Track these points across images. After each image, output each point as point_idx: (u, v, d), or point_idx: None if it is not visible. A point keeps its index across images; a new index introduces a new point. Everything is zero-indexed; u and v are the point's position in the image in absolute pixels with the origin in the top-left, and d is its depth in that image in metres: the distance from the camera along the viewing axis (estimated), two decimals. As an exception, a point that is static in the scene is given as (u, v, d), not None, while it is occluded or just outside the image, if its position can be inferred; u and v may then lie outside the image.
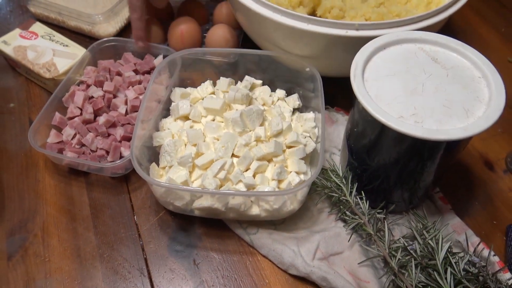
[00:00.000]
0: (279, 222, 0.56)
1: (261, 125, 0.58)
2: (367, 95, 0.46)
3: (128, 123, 0.63)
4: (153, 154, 0.59)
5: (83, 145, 0.62)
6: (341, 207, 0.54)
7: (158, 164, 0.58)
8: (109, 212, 0.59)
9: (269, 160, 0.56)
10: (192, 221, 0.58)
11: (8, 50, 0.70)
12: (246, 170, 0.54)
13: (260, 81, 0.64)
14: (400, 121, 0.43)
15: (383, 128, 0.44)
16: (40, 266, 0.54)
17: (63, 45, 0.71)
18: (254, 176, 0.54)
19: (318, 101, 0.58)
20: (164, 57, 0.69)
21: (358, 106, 0.48)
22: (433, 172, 0.49)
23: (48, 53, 0.69)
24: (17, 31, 0.73)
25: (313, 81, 0.60)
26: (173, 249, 0.56)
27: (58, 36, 0.72)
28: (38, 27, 0.73)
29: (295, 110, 0.64)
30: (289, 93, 0.65)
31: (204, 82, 0.65)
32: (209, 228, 0.57)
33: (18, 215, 0.59)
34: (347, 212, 0.53)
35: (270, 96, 0.63)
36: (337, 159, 0.62)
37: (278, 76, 0.66)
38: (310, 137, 0.58)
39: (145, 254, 0.55)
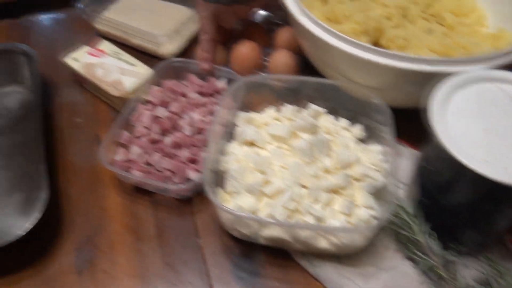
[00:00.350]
0: (343, 256, 0.56)
1: (328, 155, 0.58)
2: (447, 135, 0.45)
3: (193, 145, 0.64)
4: (217, 178, 0.60)
5: (149, 164, 0.64)
6: (410, 245, 0.54)
7: (221, 188, 0.59)
8: (174, 234, 0.60)
9: (336, 192, 0.56)
10: (256, 247, 0.58)
11: (77, 67, 0.72)
12: (315, 202, 0.54)
13: (324, 110, 0.65)
14: (484, 165, 0.43)
15: (464, 170, 0.44)
16: (108, 283, 0.56)
17: (130, 64, 0.73)
18: (322, 208, 0.54)
19: (386, 133, 0.57)
20: (227, 79, 0.70)
21: (435, 144, 0.47)
22: (511, 217, 0.48)
23: (116, 71, 0.71)
24: (85, 48, 0.75)
25: (380, 113, 0.60)
26: (237, 275, 0.56)
27: (125, 55, 0.74)
28: (105, 45, 0.76)
29: (358, 141, 0.64)
30: (352, 122, 0.65)
31: (267, 108, 0.66)
32: (273, 256, 0.57)
33: (86, 231, 0.60)
34: (417, 252, 0.53)
35: (334, 125, 0.63)
36: (401, 193, 0.61)
37: (341, 105, 0.65)
38: (378, 170, 0.58)
39: (210, 279, 0.56)
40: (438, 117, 0.47)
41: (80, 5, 0.82)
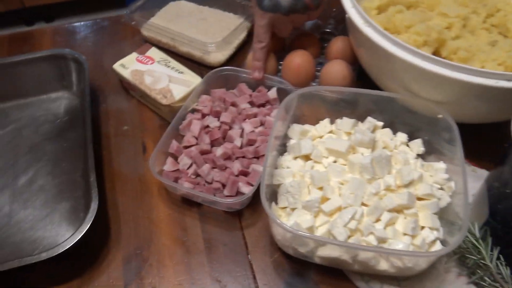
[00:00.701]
0: (402, 279, 0.53)
1: (389, 173, 0.55)
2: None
3: (243, 157, 0.62)
4: (270, 192, 0.57)
5: (198, 175, 0.62)
6: (477, 271, 0.50)
7: (275, 202, 0.56)
8: (223, 249, 0.58)
9: (399, 212, 0.53)
10: (308, 266, 0.55)
11: (126, 74, 0.72)
12: (376, 221, 0.51)
13: (381, 123, 0.62)
14: None
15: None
16: (156, 298, 0.54)
17: (178, 72, 0.71)
18: (385, 228, 0.51)
19: (452, 150, 0.54)
20: (278, 89, 0.68)
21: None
22: None
23: (164, 79, 0.70)
24: (134, 55, 0.74)
25: (446, 129, 0.56)
26: (289, 295, 0.54)
27: (173, 63, 0.73)
28: (154, 52, 0.75)
29: (418, 156, 0.60)
30: (410, 137, 0.62)
31: (322, 120, 0.63)
32: (327, 276, 0.55)
33: (133, 242, 0.59)
34: (486, 278, 0.49)
35: (392, 139, 0.61)
36: (461, 213, 0.58)
37: (398, 118, 0.63)
38: (442, 189, 0.55)
39: (261, 297, 0.54)
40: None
41: (127, 11, 0.81)
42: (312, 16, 0.69)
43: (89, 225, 0.54)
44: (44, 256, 0.52)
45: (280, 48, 0.75)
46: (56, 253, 0.52)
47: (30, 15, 2.08)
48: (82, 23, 0.91)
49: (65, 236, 0.59)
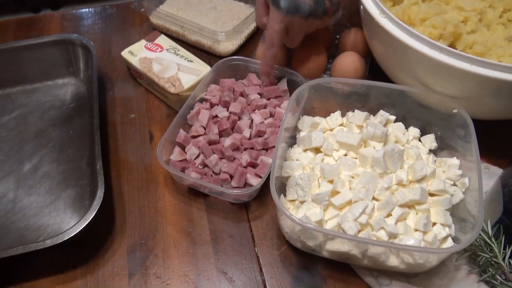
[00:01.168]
0: (411, 275, 0.52)
1: (401, 167, 0.54)
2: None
3: (252, 148, 0.61)
4: (278, 184, 0.56)
5: (205, 165, 0.61)
6: (489, 269, 0.49)
7: (283, 195, 0.55)
8: (230, 240, 0.57)
9: (410, 207, 0.52)
10: (316, 260, 0.54)
11: (134, 61, 0.71)
12: (387, 216, 0.50)
13: (393, 117, 0.61)
14: None
15: None
16: (161, 289, 0.53)
17: (188, 60, 0.70)
18: (396, 223, 0.50)
19: (466, 147, 0.53)
20: (288, 80, 0.67)
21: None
22: None
23: (173, 67, 0.69)
24: (142, 42, 0.73)
25: (460, 125, 0.55)
26: (296, 289, 0.53)
27: (182, 51, 0.72)
28: (163, 40, 0.73)
29: (430, 152, 0.59)
30: (422, 132, 0.61)
31: (333, 113, 0.62)
32: (335, 271, 0.54)
33: (139, 232, 0.58)
34: (498, 277, 0.48)
35: (404, 134, 0.59)
36: (473, 210, 0.57)
37: (410, 112, 0.61)
38: (455, 185, 0.54)
39: (267, 290, 0.53)
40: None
41: (136, -2, 0.80)
42: (325, 23, 0.66)
43: (94, 213, 0.53)
44: (49, 243, 0.51)
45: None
46: (61, 241, 0.51)
47: (36, 2, 2.06)
48: (90, 9, 0.89)
49: (70, 223, 0.59)
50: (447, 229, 0.50)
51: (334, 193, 0.52)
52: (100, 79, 0.74)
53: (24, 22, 0.88)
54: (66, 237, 0.51)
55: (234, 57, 0.69)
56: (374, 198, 0.51)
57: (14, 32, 0.85)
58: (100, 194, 0.55)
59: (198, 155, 0.61)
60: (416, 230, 0.50)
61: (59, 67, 0.75)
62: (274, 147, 0.60)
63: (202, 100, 0.66)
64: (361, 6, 0.62)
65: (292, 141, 0.61)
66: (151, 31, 0.79)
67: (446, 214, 0.51)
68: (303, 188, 0.53)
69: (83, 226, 0.52)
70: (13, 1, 2.01)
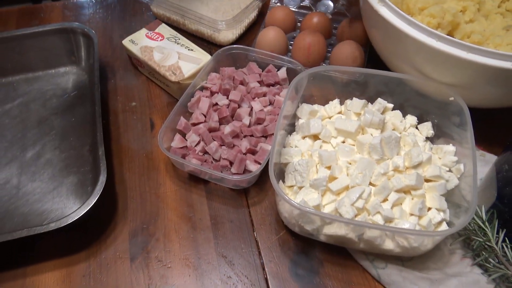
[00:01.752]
0: (406, 259, 0.53)
1: (398, 154, 0.55)
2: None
3: (251, 135, 0.62)
4: (277, 170, 0.57)
5: (205, 152, 0.62)
6: (483, 253, 0.50)
7: (282, 181, 0.57)
8: (229, 225, 0.58)
9: (406, 192, 0.53)
10: (313, 244, 0.56)
11: (135, 50, 0.71)
12: (384, 201, 0.51)
13: (391, 105, 0.61)
14: None
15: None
16: (162, 272, 0.54)
17: (188, 49, 0.71)
18: (392, 208, 0.51)
19: (461, 134, 0.54)
20: (288, 69, 0.68)
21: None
22: None
23: (174, 56, 0.70)
24: (143, 31, 0.74)
25: (456, 112, 0.56)
26: (294, 272, 0.54)
27: (183, 40, 0.72)
28: (163, 28, 0.74)
29: (426, 139, 0.60)
30: (420, 119, 0.62)
31: (331, 101, 0.63)
32: (331, 254, 0.55)
33: (140, 217, 0.59)
34: (491, 260, 0.49)
35: (401, 122, 0.60)
36: (468, 196, 0.58)
37: (408, 101, 0.62)
38: (450, 171, 0.55)
39: (266, 273, 0.54)
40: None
41: (137, -12, 0.81)
42: None
43: (96, 198, 0.54)
44: (53, 226, 0.52)
45: (291, 28, 0.74)
46: (64, 224, 0.53)
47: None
48: (90, -2, 0.90)
49: (72, 208, 0.60)
50: (442, 213, 0.51)
51: (332, 178, 0.53)
52: (101, 68, 0.75)
53: (26, 11, 0.88)
54: (70, 220, 0.53)
55: (234, 46, 0.69)
56: (370, 184, 0.52)
57: (17, 22, 0.86)
58: (102, 179, 0.56)
59: (199, 142, 0.62)
60: (411, 214, 0.51)
61: (61, 56, 0.76)
62: (273, 134, 0.61)
63: (202, 88, 0.67)
64: (360, -5, 0.62)
65: (291, 128, 0.62)
66: (152, 20, 0.80)
67: (441, 199, 0.52)
68: (301, 174, 0.54)
69: (85, 211, 0.53)
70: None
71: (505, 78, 0.52)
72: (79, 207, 0.54)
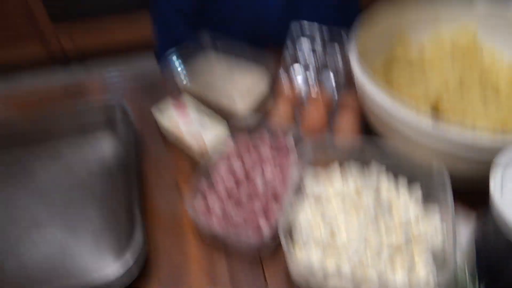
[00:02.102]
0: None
1: (390, 214, 0.64)
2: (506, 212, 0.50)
3: (263, 197, 0.72)
4: (286, 228, 0.66)
5: (225, 213, 0.71)
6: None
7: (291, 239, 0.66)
8: (246, 282, 0.66)
9: (398, 250, 0.61)
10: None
11: (162, 118, 0.83)
12: (378, 257, 0.60)
13: (383, 168, 0.71)
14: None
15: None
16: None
17: (209, 119, 0.82)
18: (384, 264, 0.59)
19: (444, 197, 0.63)
20: (294, 137, 0.78)
21: (494, 219, 0.52)
22: None
23: (197, 125, 0.81)
24: (169, 100, 0.86)
25: (439, 177, 0.65)
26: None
27: (205, 110, 0.84)
28: (188, 98, 0.86)
29: (417, 200, 0.69)
30: (410, 183, 0.70)
31: (332, 163, 0.73)
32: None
33: (169, 274, 0.68)
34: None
35: (394, 184, 0.69)
36: (459, 256, 0.65)
37: (400, 165, 0.71)
38: (437, 232, 0.63)
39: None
40: (498, 194, 0.52)
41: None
42: None
43: (132, 260, 0.63)
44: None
45: (297, 102, 0.86)
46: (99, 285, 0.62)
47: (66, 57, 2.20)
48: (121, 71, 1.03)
49: (108, 268, 0.64)
50: (429, 271, 0.59)
51: (333, 235, 0.62)
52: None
53: (70, 88, 1.00)
54: (103, 281, 0.62)
55: (248, 115, 0.81)
56: (366, 241, 0.61)
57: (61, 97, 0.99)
58: (140, 240, 0.65)
59: (219, 204, 0.72)
60: (402, 269, 0.59)
61: (100, 126, 0.88)
62: (282, 196, 0.70)
63: (221, 153, 0.78)
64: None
65: (298, 190, 0.72)
66: (180, 91, 0.91)
67: (428, 257, 0.60)
68: (306, 232, 0.63)
69: (122, 273, 0.62)
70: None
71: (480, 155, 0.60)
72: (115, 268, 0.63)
